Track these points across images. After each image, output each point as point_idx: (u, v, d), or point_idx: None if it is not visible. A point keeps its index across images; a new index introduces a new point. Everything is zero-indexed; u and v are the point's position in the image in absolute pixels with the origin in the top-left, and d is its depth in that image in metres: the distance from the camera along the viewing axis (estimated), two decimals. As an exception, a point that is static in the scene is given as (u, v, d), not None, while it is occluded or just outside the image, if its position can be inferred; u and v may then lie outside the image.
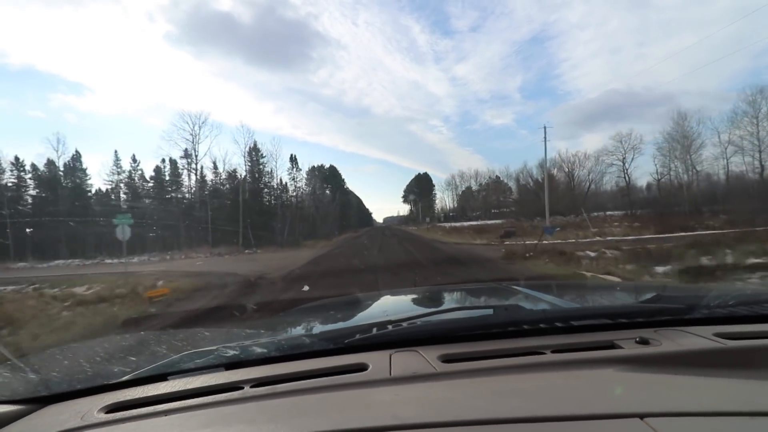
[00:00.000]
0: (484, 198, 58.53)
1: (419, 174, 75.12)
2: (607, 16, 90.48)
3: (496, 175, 58.50)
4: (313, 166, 40.81)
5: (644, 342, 0.59)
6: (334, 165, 47.66)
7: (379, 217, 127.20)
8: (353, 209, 66.58)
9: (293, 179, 32.41)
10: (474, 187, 61.58)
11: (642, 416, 0.41)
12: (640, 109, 44.68)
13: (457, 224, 37.49)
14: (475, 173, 61.76)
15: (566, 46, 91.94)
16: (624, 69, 72.87)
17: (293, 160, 33.58)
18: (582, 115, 55.39)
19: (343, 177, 47.84)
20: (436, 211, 67.89)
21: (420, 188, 69.02)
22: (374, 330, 0.69)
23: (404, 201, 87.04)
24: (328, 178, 43.35)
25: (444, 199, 68.62)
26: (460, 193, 64.68)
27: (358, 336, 0.67)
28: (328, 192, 42.23)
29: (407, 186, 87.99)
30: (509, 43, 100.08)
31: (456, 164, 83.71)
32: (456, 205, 64.73)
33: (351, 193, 71.10)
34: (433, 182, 72.26)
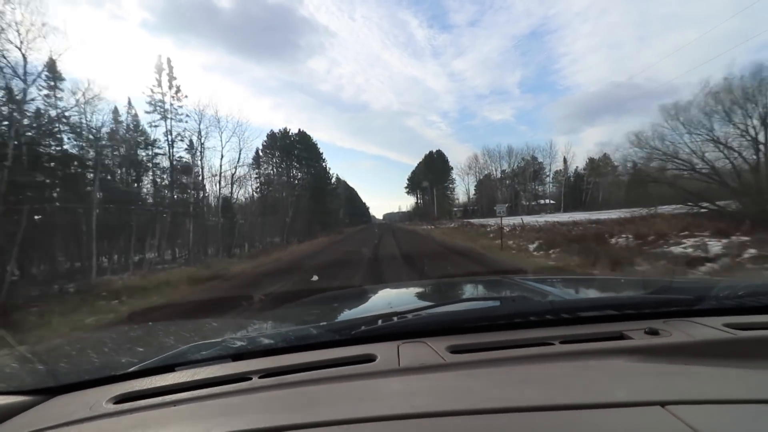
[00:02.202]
0: (512, 186, 58.35)
1: (431, 153, 70.39)
2: (607, 8, 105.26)
3: (532, 155, 58.23)
4: (272, 131, 35.97)
5: (653, 333, 0.71)
6: (306, 131, 40.05)
7: (378, 213, 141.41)
8: (339, 200, 62.20)
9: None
10: (493, 174, 60.79)
11: (663, 404, 0.48)
12: (643, 102, 50.23)
13: (512, 219, 20.03)
14: (497, 155, 59.27)
15: (566, 40, 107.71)
16: (625, 62, 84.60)
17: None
18: (583, 108, 59.02)
19: (319, 147, 41.32)
20: (454, 202, 65.14)
21: (432, 172, 65.29)
22: (380, 322, 0.82)
23: (409, 191, 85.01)
24: (289, 146, 35.95)
25: (459, 187, 67.15)
26: (478, 182, 63.68)
27: (365, 327, 0.79)
28: (297, 173, 36.53)
29: (413, 172, 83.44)
30: (508, 37, 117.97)
31: (455, 160, 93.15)
32: (474, 196, 63.69)
33: (339, 182, 68.24)
34: (450, 164, 68.03)
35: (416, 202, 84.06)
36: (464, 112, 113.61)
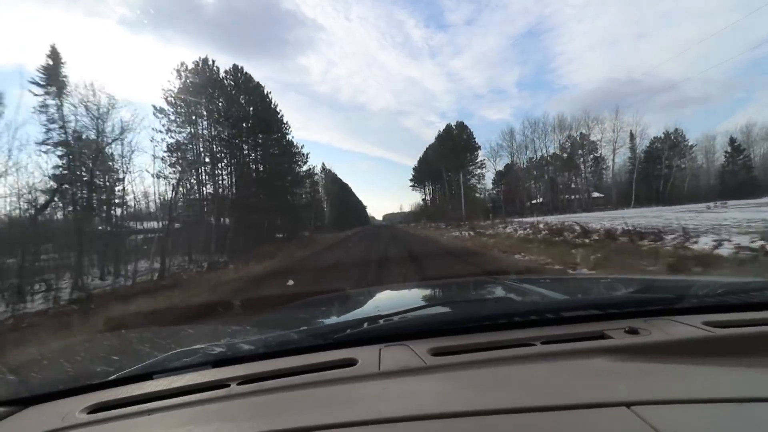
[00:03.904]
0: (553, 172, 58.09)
1: (448, 127, 67.84)
2: (605, 6, 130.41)
3: (582, 133, 57.48)
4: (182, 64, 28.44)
5: (633, 332, 0.92)
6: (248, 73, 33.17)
7: (378, 214, 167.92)
8: (318, 196, 61.37)
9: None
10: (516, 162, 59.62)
11: (628, 405, 0.62)
12: (642, 98, 53.93)
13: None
14: (541, 128, 58.86)
15: (563, 39, 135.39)
16: (623, 60, 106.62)
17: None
18: (581, 106, 64.73)
19: (279, 111, 36.92)
20: (483, 195, 63.00)
21: (452, 152, 62.29)
22: (364, 325, 1.04)
23: (414, 186, 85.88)
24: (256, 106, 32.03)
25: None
26: (505, 167, 62.64)
27: (348, 331, 1.01)
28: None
29: (420, 160, 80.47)
30: (505, 36, 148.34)
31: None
32: (497, 187, 63.07)
33: (325, 173, 67.49)
34: (476, 140, 65.48)
35: (423, 199, 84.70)
36: (462, 111, 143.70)
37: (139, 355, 1.14)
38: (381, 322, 1.06)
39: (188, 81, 27.10)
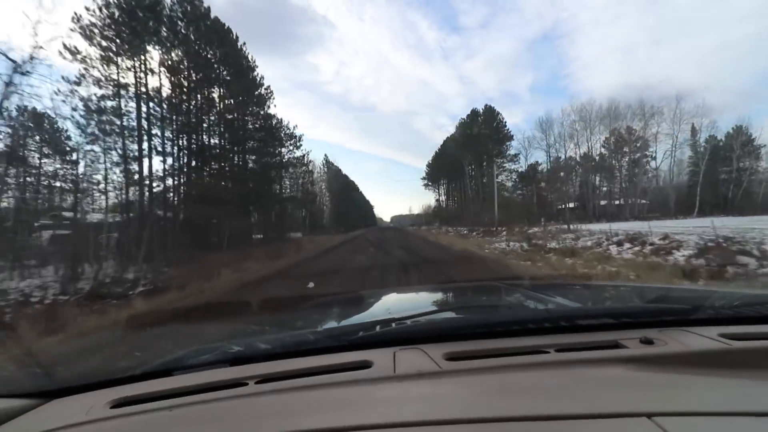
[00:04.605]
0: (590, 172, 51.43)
1: (474, 112, 60.23)
2: (622, 10, 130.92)
3: (629, 127, 50.19)
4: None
5: (648, 342, 0.96)
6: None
7: (386, 215, 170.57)
8: (333, 194, 56.99)
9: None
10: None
11: (649, 415, 0.65)
12: (658, 104, 51.47)
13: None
14: (588, 114, 51.08)
15: (578, 44, 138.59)
16: (638, 66, 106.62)
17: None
18: (597, 112, 59.79)
19: (252, 60, 28.68)
20: (507, 194, 55.36)
21: (479, 142, 54.52)
22: (378, 328, 1.13)
23: (428, 184, 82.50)
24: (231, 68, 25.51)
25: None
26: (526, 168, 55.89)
27: (362, 333, 1.09)
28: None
29: (437, 153, 74.26)
30: (520, 40, 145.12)
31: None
32: (524, 188, 55.48)
33: (328, 166, 62.14)
34: (506, 126, 57.76)
35: (437, 200, 79.02)
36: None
37: (161, 351, 1.24)
38: (394, 325, 1.14)
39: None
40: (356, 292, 3.20)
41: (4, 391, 0.99)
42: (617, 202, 49.85)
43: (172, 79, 20.78)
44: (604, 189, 53.10)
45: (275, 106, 31.88)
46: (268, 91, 30.54)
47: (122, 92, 18.39)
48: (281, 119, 33.64)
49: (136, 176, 19.22)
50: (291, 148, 35.14)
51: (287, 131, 34.05)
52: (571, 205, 50.91)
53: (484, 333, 1.07)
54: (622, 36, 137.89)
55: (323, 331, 1.21)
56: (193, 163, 22.24)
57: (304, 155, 39.00)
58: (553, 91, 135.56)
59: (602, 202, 50.65)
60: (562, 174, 52.41)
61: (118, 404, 0.88)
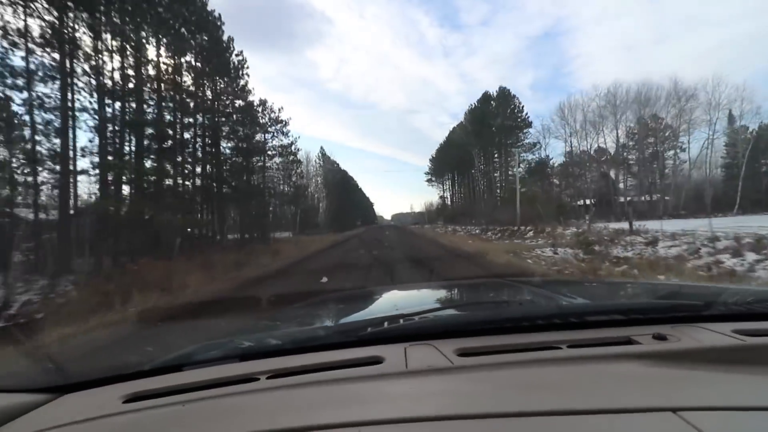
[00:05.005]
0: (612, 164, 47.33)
1: (486, 95, 56.33)
2: (624, 9, 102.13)
3: (656, 114, 46.20)
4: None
5: (661, 338, 0.97)
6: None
7: (387, 213, 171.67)
8: (330, 190, 51.87)
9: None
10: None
11: (675, 410, 0.65)
12: (659, 101, 49.16)
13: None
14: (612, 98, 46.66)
15: (580, 42, 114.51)
16: (638, 63, 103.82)
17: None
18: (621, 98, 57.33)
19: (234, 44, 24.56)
20: (523, 190, 50.17)
21: (493, 129, 49.73)
22: (387, 323, 1.13)
23: (431, 180, 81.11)
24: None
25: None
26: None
27: (372, 329, 1.10)
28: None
29: (443, 144, 68.91)
30: (521, 38, 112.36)
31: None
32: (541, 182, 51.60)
33: (324, 157, 57.71)
34: (526, 113, 53.19)
35: (441, 196, 74.39)
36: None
37: (172, 346, 1.22)
38: (403, 321, 1.16)
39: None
40: (364, 288, 3.38)
41: (16, 386, 1.02)
42: (645, 198, 45.13)
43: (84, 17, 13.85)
44: (630, 183, 49.40)
45: (249, 77, 26.29)
46: (242, 59, 25.53)
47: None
48: (264, 100, 29.64)
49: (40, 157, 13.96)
50: (275, 133, 30.41)
51: (272, 114, 29.41)
52: (588, 201, 45.99)
53: (495, 329, 1.09)
54: (624, 33, 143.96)
55: (333, 327, 1.25)
56: (127, 143, 16.71)
57: (291, 143, 34.16)
58: (554, 88, 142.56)
59: (626, 198, 45.64)
60: (591, 164, 48.19)
61: (131, 399, 0.91)
